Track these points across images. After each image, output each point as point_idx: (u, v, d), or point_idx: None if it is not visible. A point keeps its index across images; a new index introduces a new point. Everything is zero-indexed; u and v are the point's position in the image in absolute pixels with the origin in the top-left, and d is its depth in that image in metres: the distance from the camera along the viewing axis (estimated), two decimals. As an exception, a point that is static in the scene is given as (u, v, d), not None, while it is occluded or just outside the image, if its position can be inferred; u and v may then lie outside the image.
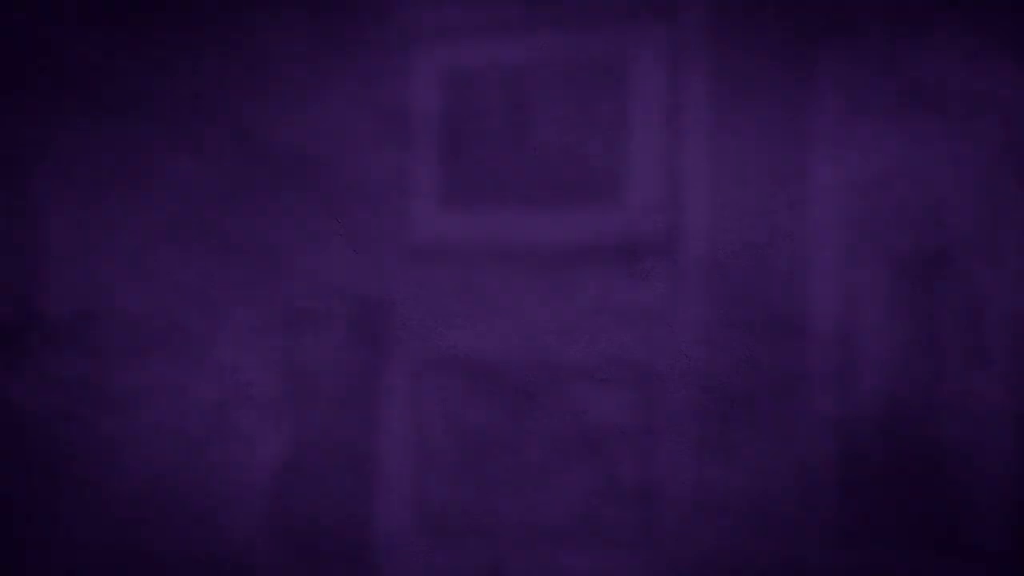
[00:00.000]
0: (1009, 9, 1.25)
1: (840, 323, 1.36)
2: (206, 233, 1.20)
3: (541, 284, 1.53)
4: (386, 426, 1.49)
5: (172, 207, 1.17)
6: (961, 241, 1.31)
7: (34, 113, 1.10)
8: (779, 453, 1.38)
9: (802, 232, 1.39)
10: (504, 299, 1.54)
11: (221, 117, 1.21)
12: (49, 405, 1.10)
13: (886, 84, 1.34)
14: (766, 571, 1.39)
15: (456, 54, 1.53)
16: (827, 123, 1.38)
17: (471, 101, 1.54)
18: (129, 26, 1.15)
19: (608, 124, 1.50)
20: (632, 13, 1.47)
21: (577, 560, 1.52)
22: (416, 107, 1.53)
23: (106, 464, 1.16)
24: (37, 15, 1.08)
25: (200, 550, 1.20)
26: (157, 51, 1.17)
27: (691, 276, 1.45)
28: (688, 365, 1.43)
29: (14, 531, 1.10)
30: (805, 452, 1.36)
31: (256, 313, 1.27)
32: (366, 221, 1.44)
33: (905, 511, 1.31)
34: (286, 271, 1.29)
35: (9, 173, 1.09)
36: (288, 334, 1.32)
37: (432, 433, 1.56)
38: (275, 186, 1.26)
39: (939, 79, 1.29)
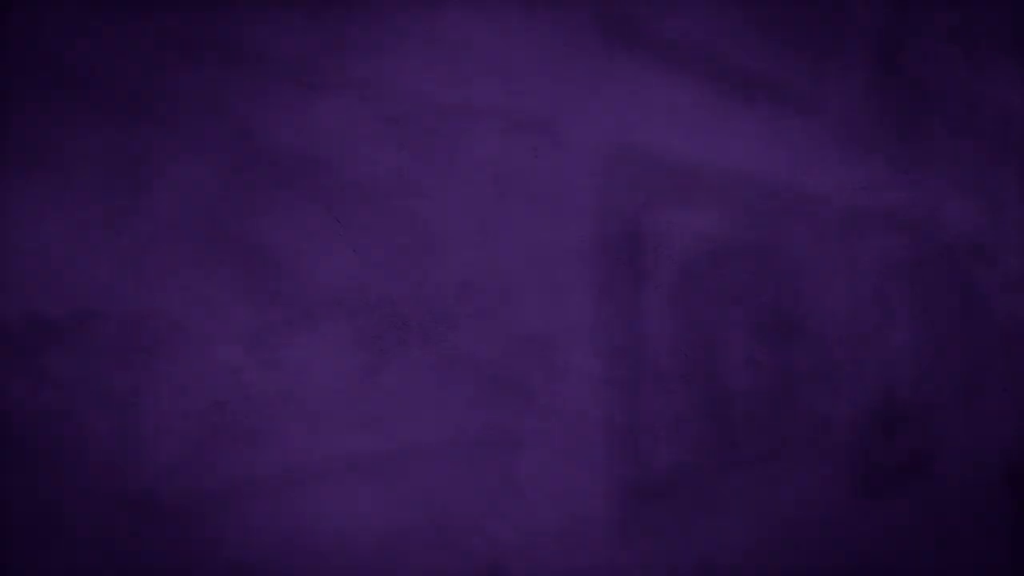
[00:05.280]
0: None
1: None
2: (206, 233, 1.20)
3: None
4: (385, 429, 1.49)
5: (172, 207, 1.17)
6: (961, 241, 1.31)
7: (33, 112, 1.10)
8: (779, 453, 1.38)
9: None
10: (497, 299, 1.54)
11: (221, 117, 1.21)
12: (49, 405, 1.10)
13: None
14: (766, 571, 1.39)
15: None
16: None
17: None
18: (129, 25, 1.15)
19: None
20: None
21: (575, 561, 1.52)
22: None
23: (106, 464, 1.16)
24: (35, 14, 1.08)
25: (201, 551, 1.20)
26: (157, 50, 1.17)
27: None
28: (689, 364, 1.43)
29: (13, 532, 1.10)
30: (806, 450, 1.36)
31: (256, 313, 1.27)
32: (367, 222, 1.44)
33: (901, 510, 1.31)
34: (286, 271, 1.29)
35: (7, 172, 1.09)
36: (288, 334, 1.32)
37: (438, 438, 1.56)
38: (275, 186, 1.26)
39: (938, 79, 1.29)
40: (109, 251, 1.15)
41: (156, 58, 1.17)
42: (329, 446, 1.42)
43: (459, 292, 1.55)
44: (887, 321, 1.33)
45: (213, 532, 1.22)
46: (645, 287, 1.45)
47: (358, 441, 1.46)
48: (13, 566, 1.09)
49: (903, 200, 1.28)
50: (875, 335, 1.31)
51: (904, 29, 1.32)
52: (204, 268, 1.21)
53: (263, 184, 1.25)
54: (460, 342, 1.54)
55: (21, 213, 1.09)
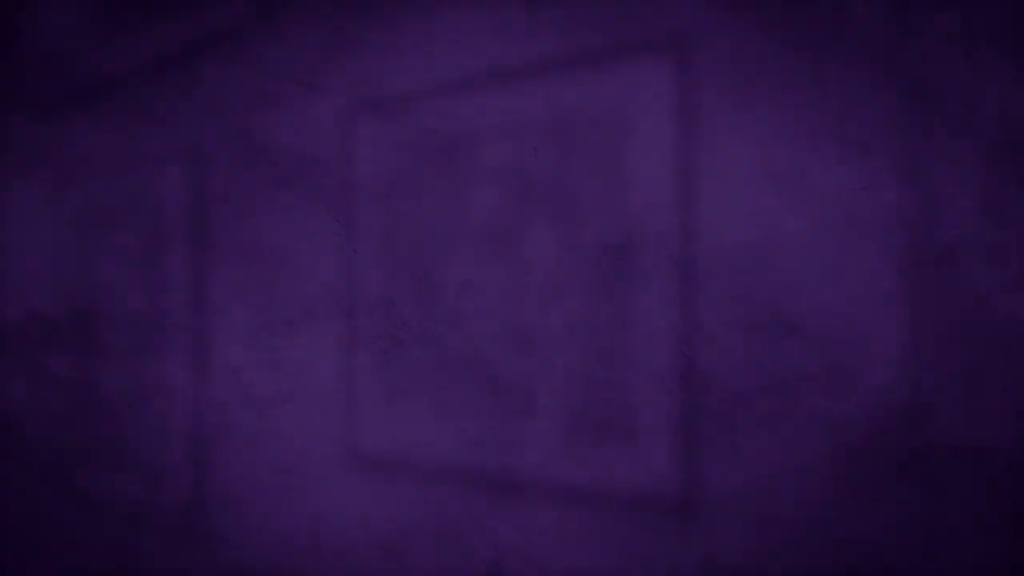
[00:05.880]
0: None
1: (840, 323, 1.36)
2: (206, 233, 1.20)
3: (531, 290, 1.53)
4: (384, 429, 1.49)
5: (172, 207, 1.17)
6: (961, 241, 1.31)
7: (33, 113, 1.11)
8: (779, 453, 1.38)
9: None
10: (491, 296, 1.54)
11: (221, 117, 1.21)
12: (49, 405, 1.11)
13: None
14: (766, 571, 1.39)
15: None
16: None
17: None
18: (131, 30, 1.15)
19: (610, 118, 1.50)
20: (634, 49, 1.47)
21: (575, 563, 1.52)
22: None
23: (106, 464, 1.16)
24: (38, 19, 1.08)
25: (201, 551, 1.20)
26: (158, 55, 1.17)
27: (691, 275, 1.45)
28: (688, 365, 1.43)
29: (12, 531, 1.10)
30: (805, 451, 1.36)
31: (256, 313, 1.27)
32: (367, 222, 1.44)
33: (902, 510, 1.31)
34: (286, 271, 1.29)
35: (7, 172, 1.10)
36: (288, 334, 1.32)
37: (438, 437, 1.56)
38: (275, 186, 1.26)
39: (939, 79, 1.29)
40: (109, 251, 1.15)
41: (156, 59, 1.17)
42: (329, 446, 1.41)
43: (459, 292, 1.55)
44: (887, 321, 1.33)
45: (213, 532, 1.22)
46: (644, 287, 1.45)
47: (358, 441, 1.46)
48: (13, 566, 1.09)
49: (903, 200, 1.28)
50: (875, 335, 1.31)
51: (904, 29, 1.32)
52: (205, 268, 1.21)
53: (263, 184, 1.25)
54: (460, 342, 1.54)
55: (22, 213, 1.09)
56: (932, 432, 1.30)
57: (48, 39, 1.08)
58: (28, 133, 1.10)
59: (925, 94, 1.32)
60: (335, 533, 1.39)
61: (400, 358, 1.54)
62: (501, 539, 1.53)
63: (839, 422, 1.34)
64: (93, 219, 1.13)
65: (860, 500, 1.33)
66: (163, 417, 1.18)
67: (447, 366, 1.55)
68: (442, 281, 1.54)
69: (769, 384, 1.38)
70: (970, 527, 1.27)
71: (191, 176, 1.19)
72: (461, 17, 1.52)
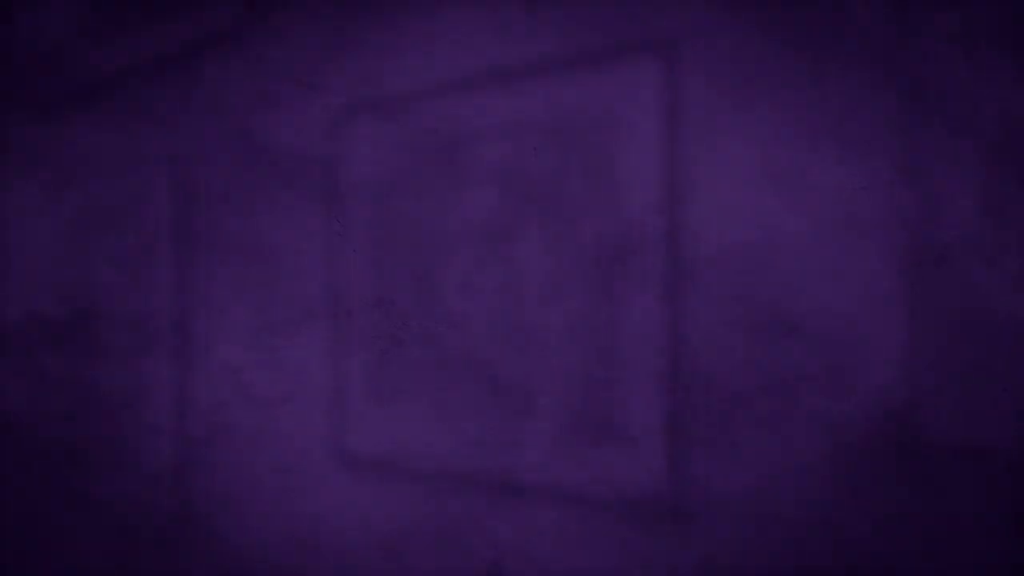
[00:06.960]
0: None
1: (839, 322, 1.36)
2: (206, 233, 1.20)
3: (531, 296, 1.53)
4: (383, 429, 1.49)
5: (173, 207, 1.17)
6: (961, 241, 1.31)
7: (33, 113, 1.11)
8: (779, 453, 1.38)
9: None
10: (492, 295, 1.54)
11: (221, 117, 1.21)
12: (49, 405, 1.11)
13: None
14: (767, 571, 1.39)
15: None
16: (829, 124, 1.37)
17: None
18: (131, 30, 1.15)
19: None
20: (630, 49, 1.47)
21: (575, 563, 1.52)
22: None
23: (106, 464, 1.16)
24: (38, 19, 1.08)
25: (201, 551, 1.20)
26: (158, 55, 1.17)
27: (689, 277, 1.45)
28: (688, 365, 1.43)
29: (13, 531, 1.10)
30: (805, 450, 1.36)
31: (256, 313, 1.27)
32: (367, 221, 1.44)
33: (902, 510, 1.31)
34: (286, 271, 1.29)
35: (7, 172, 1.10)
36: (288, 334, 1.32)
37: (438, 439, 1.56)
38: (275, 186, 1.26)
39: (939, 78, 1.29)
40: (109, 251, 1.15)
41: (156, 59, 1.17)
42: (329, 446, 1.41)
43: (459, 292, 1.55)
44: (887, 321, 1.33)
45: (213, 532, 1.22)
46: (643, 287, 1.45)
47: (358, 441, 1.46)
48: (13, 566, 1.09)
49: (903, 200, 1.28)
50: (875, 335, 1.31)
51: (904, 29, 1.32)
52: (204, 268, 1.21)
53: (263, 184, 1.25)
54: (460, 342, 1.54)
55: (22, 213, 1.09)
56: (932, 432, 1.30)
57: (48, 39, 1.08)
58: (28, 133, 1.10)
59: (925, 94, 1.32)
60: (335, 533, 1.39)
61: (400, 358, 1.54)
62: (501, 539, 1.53)
63: (839, 422, 1.34)
64: (93, 219, 1.13)
65: (860, 500, 1.33)
66: (162, 417, 1.18)
67: (447, 366, 1.55)
68: (442, 281, 1.54)
69: (769, 384, 1.38)
70: (970, 527, 1.27)
71: (191, 176, 1.19)
72: (461, 17, 1.52)
